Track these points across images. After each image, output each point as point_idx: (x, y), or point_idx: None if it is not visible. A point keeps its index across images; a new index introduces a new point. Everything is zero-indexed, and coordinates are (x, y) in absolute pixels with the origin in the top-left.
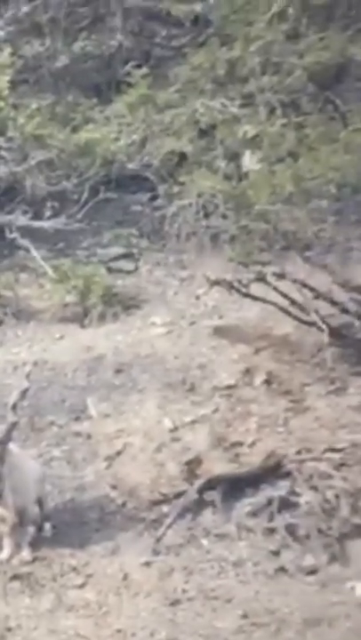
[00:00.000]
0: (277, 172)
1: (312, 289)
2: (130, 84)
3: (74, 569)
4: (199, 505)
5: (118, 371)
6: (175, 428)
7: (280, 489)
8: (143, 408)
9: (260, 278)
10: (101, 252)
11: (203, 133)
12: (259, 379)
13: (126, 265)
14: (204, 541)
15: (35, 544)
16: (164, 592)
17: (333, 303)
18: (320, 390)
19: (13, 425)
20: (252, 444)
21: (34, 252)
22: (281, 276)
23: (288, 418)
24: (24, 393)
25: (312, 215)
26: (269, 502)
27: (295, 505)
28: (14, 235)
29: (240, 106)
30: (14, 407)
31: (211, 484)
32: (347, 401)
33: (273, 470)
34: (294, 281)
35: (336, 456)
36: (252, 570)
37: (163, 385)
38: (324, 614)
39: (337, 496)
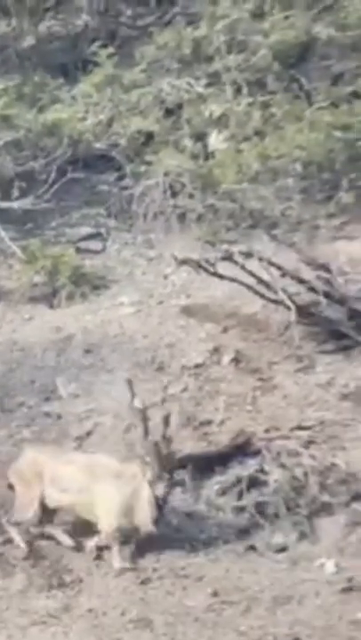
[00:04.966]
0: (244, 151)
1: (279, 267)
2: (96, 64)
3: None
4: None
5: (87, 351)
6: (145, 408)
7: (249, 467)
8: (113, 388)
9: (228, 257)
10: (70, 232)
11: (169, 113)
12: (227, 357)
13: (94, 245)
14: (174, 520)
15: None
16: (135, 571)
17: (300, 281)
18: (288, 368)
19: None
20: (221, 423)
21: (2, 233)
22: (248, 254)
23: (256, 396)
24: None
25: (278, 194)
26: (238, 481)
27: (264, 483)
28: None
29: (206, 85)
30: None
31: (180, 464)
32: (314, 379)
33: (242, 449)
34: (261, 259)
35: (304, 434)
36: (222, 548)
37: (132, 364)
38: (294, 592)
39: (306, 474)
